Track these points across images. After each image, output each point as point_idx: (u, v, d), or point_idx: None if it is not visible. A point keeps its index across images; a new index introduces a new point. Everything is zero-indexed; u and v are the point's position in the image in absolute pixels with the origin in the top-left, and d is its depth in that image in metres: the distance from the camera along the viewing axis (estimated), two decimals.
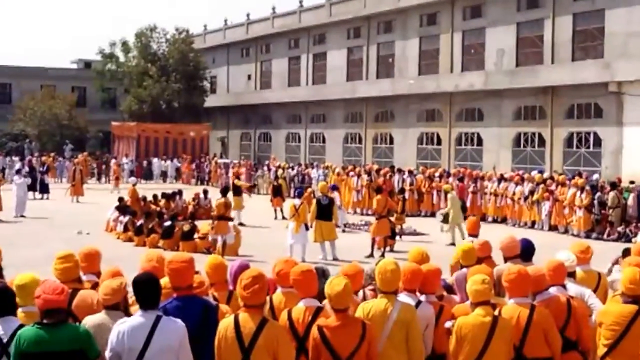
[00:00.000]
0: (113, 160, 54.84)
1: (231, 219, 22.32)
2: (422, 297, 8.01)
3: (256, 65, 70.32)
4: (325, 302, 7.11)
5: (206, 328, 6.86)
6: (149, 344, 6.30)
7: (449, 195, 26.78)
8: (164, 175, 56.65)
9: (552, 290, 7.97)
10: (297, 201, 22.33)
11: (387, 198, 23.81)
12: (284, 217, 30.95)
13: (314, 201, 23.18)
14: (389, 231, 22.96)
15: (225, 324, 6.65)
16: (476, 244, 9.98)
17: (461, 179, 34.19)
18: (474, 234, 13.74)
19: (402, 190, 30.58)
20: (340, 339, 6.84)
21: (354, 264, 8.41)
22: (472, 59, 48.10)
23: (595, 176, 34.02)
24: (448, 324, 7.64)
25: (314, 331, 6.93)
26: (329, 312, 7.04)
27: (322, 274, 8.46)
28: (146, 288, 6.50)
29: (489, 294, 7.33)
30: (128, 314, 6.90)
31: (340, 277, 7.16)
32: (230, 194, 25.36)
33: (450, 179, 34.61)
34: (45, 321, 6.21)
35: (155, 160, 57.62)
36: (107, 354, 6.41)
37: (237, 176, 35.02)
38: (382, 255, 20.93)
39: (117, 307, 6.85)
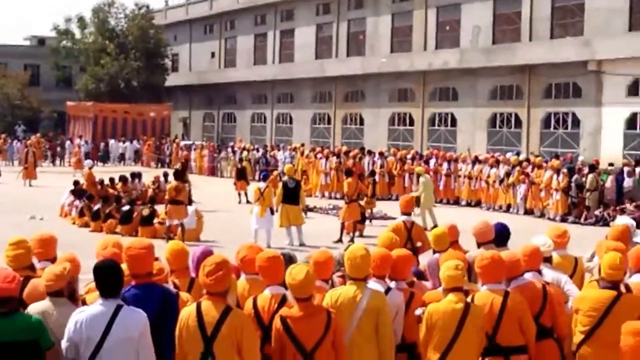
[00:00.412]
0: (76, 141, 54.50)
1: (182, 202, 22.16)
2: (392, 284, 8.04)
3: (220, 42, 69.99)
4: (288, 290, 7.13)
5: (166, 317, 6.84)
6: (108, 334, 6.28)
7: (420, 179, 26.86)
8: (121, 157, 56.34)
9: (528, 276, 8.02)
10: (262, 184, 22.29)
11: (357, 181, 23.86)
12: (248, 201, 30.92)
13: (280, 184, 23.17)
14: (359, 215, 23.04)
15: (187, 313, 6.65)
16: (443, 227, 10.04)
17: (427, 162, 34.44)
18: (406, 212, 13.96)
19: (372, 173, 30.61)
20: (304, 329, 6.87)
21: (324, 250, 8.40)
22: (447, 36, 48.18)
23: (581, 157, 33.97)
24: (418, 311, 7.67)
25: (277, 322, 6.95)
26: (292, 301, 7.06)
27: (289, 260, 8.44)
28: (107, 275, 6.48)
29: (461, 280, 7.37)
30: (74, 301, 6.90)
31: (300, 265, 7.18)
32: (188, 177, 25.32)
33: (418, 161, 34.76)
34: None
35: (112, 141, 57.25)
36: (64, 344, 6.38)
37: (185, 163, 34.75)
38: (352, 241, 20.98)
39: (61, 293, 6.81)
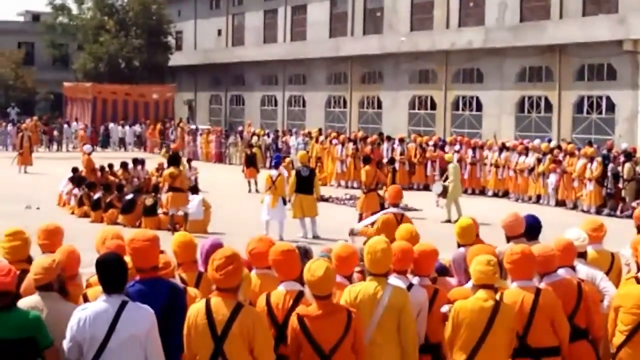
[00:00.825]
0: (80, 125, 54.66)
1: (181, 189, 22.22)
2: (415, 280, 8.04)
3: (227, 19, 69.91)
4: (306, 287, 7.12)
5: (173, 314, 6.87)
6: (113, 333, 6.30)
7: (450, 166, 26.70)
8: (121, 142, 56.42)
9: (561, 272, 8.00)
10: (273, 172, 22.29)
11: (375, 169, 23.83)
12: (257, 190, 30.98)
13: (293, 172, 23.15)
14: (378, 206, 22.97)
15: (196, 310, 6.65)
16: (469, 219, 9.99)
17: (442, 147, 34.45)
18: (395, 203, 14.18)
19: (391, 161, 30.65)
20: (322, 329, 6.86)
21: (346, 245, 8.38)
22: (471, 14, 48.00)
23: (624, 145, 33.35)
24: (444, 309, 7.66)
25: (293, 321, 6.95)
26: (310, 299, 7.05)
27: (305, 254, 8.46)
28: (111, 270, 6.49)
29: (492, 276, 7.33)
30: (64, 295, 6.92)
31: (319, 260, 7.16)
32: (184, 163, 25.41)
33: (447, 148, 34.76)
34: None
35: (112, 125, 57.32)
36: (67, 343, 6.40)
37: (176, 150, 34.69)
38: None
39: (51, 287, 6.83)
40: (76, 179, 26.93)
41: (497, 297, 7.42)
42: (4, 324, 6.16)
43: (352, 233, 15.18)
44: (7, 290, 6.30)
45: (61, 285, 6.98)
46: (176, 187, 22.11)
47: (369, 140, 36.81)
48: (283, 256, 7.41)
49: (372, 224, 14.18)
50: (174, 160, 23.77)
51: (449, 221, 24.41)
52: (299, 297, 7.23)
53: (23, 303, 6.73)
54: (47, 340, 6.34)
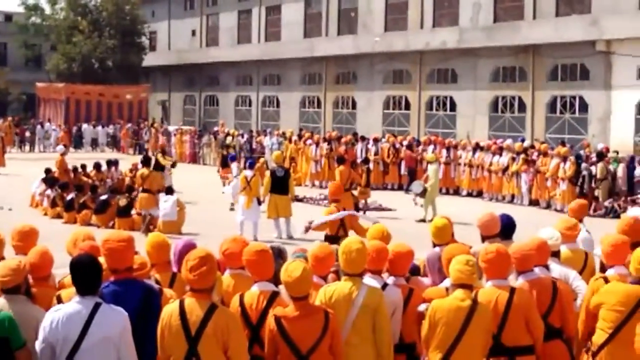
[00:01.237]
0: (58, 126, 54.55)
1: (150, 191, 22.35)
2: (389, 280, 8.04)
3: (201, 19, 69.76)
4: (282, 287, 7.09)
5: (148, 315, 6.85)
6: (86, 334, 6.27)
7: (430, 167, 26.67)
8: (94, 143, 56.19)
9: (535, 271, 8.01)
10: (248, 172, 22.27)
11: (349, 169, 23.85)
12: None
13: (268, 173, 23.14)
14: (352, 206, 22.99)
15: (169, 311, 6.63)
16: (444, 219, 9.99)
17: (409, 147, 34.71)
18: (335, 199, 14.82)
19: (366, 161, 30.62)
20: (300, 330, 6.85)
21: (324, 245, 8.39)
22: (445, 14, 48.09)
23: (600, 145, 33.11)
24: (422, 307, 7.66)
25: (271, 322, 6.93)
26: (287, 300, 7.04)
27: (279, 255, 8.48)
28: (85, 271, 6.45)
29: (471, 277, 7.31)
30: (30, 297, 6.90)
31: (296, 261, 7.13)
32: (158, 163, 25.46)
33: (420, 148, 34.85)
34: None
35: (85, 126, 57.10)
36: (39, 344, 6.36)
37: (162, 150, 34.35)
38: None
39: (18, 290, 6.81)
40: (49, 179, 26.79)
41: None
42: None
43: (309, 229, 15.40)
44: None
45: (27, 287, 6.94)
46: (146, 189, 22.30)
47: (343, 140, 36.84)
48: (257, 256, 7.39)
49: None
50: (145, 161, 23.89)
51: (423, 220, 24.42)
52: (272, 298, 7.22)
53: None
54: (20, 341, 6.30)
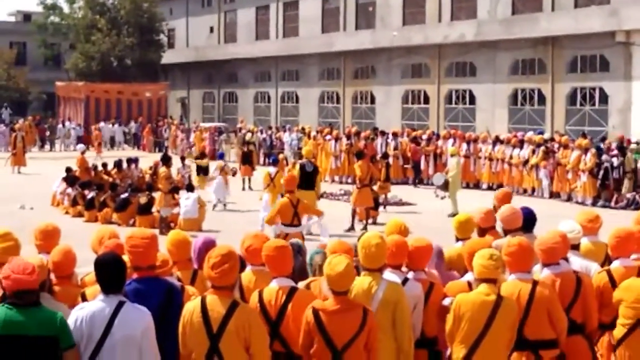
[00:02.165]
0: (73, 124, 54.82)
1: (163, 191, 22.51)
2: (410, 274, 8.01)
3: (219, 16, 69.82)
4: (323, 280, 7.06)
5: (170, 312, 6.86)
6: (109, 333, 6.29)
7: (453, 160, 26.61)
8: (112, 141, 56.34)
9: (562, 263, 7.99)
10: (272, 169, 22.27)
11: (369, 164, 23.80)
12: (250, 188, 31.03)
13: (298, 167, 22.92)
14: (371, 201, 22.98)
15: (191, 308, 6.64)
16: (478, 212, 9.96)
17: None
18: (290, 189, 15.95)
19: (385, 155, 30.57)
20: (337, 325, 6.82)
21: (341, 241, 8.39)
22: (463, 7, 47.97)
23: (635, 138, 32.58)
24: (447, 301, 7.63)
25: (308, 314, 6.89)
26: (326, 293, 6.98)
27: (298, 250, 8.45)
28: (109, 270, 6.47)
29: (495, 271, 7.27)
30: (52, 295, 6.95)
31: (341, 255, 7.07)
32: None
33: (440, 142, 34.79)
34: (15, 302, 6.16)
35: (102, 124, 57.26)
36: None
37: (202, 153, 34.29)
38: (365, 229, 20.94)
39: (41, 288, 6.78)
40: (70, 178, 26.89)
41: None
42: (29, 321, 6.11)
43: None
44: (31, 288, 6.23)
45: (50, 286, 6.98)
46: (158, 188, 22.59)
47: (362, 135, 36.76)
48: (276, 252, 7.37)
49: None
50: (165, 159, 24.01)
51: (454, 215, 24.34)
52: (291, 293, 7.20)
53: None
54: (69, 341, 6.29)
